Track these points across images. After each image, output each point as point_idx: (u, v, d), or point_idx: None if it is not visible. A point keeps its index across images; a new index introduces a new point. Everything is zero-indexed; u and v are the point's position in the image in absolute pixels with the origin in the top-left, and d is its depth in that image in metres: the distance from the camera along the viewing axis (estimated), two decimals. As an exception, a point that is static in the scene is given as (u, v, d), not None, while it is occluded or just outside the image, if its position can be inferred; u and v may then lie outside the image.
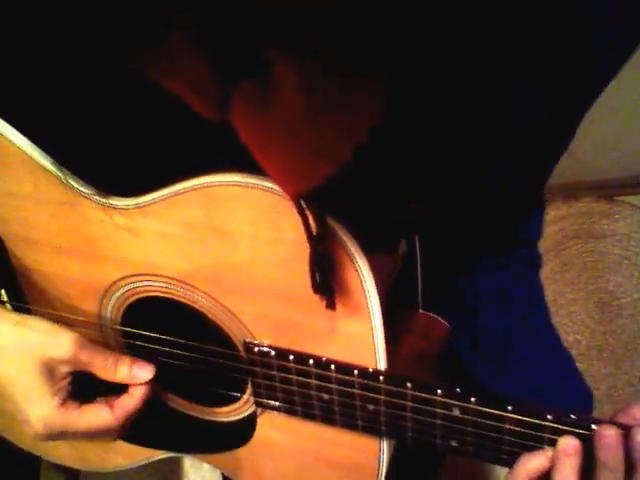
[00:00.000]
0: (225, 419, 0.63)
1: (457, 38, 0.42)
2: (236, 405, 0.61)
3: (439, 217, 0.58)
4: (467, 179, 0.55)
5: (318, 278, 0.47)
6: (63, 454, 0.76)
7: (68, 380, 0.55)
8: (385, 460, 0.57)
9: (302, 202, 0.44)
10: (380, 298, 0.48)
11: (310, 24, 0.37)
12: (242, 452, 0.64)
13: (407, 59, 0.40)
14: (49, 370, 0.53)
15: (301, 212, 0.44)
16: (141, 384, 0.56)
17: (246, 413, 0.61)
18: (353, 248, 0.47)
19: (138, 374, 0.56)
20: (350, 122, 0.40)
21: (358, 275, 0.47)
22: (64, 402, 0.54)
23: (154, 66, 0.43)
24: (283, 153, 0.42)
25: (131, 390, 0.57)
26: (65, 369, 0.54)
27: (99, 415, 0.55)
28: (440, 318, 0.59)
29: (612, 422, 0.46)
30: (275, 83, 0.39)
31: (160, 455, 0.70)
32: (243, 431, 0.62)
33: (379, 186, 0.49)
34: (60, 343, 0.53)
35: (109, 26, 0.42)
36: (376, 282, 0.48)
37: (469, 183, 0.56)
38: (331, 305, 0.48)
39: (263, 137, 0.42)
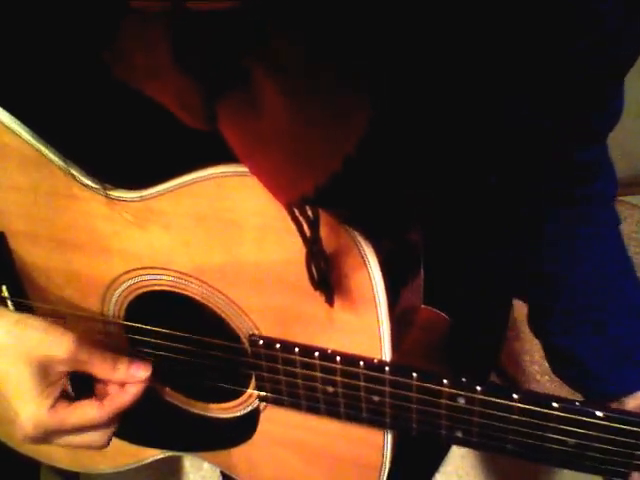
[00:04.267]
0: (227, 415, 0.63)
1: (447, 39, 0.43)
2: (239, 400, 0.61)
3: (440, 214, 0.58)
4: (465, 179, 0.56)
5: (316, 276, 0.48)
6: (59, 456, 0.75)
7: (62, 381, 0.54)
8: (389, 454, 0.57)
9: (295, 210, 0.45)
10: (386, 289, 0.49)
11: (290, 34, 0.38)
12: (244, 449, 0.63)
13: (396, 63, 0.41)
14: (44, 370, 0.53)
15: (294, 218, 0.45)
16: (137, 383, 0.56)
17: (249, 409, 0.61)
18: (362, 240, 0.47)
19: (136, 373, 0.56)
20: (337, 131, 0.41)
21: (366, 269, 0.48)
22: (55, 403, 0.53)
23: (138, 81, 0.44)
24: (272, 162, 0.43)
25: (126, 387, 0.56)
26: (62, 368, 0.53)
27: (87, 412, 0.54)
28: (441, 312, 0.60)
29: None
30: (258, 94, 0.40)
31: (160, 455, 0.70)
32: (245, 427, 0.62)
33: (374, 188, 0.49)
34: (59, 342, 0.53)
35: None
36: (382, 272, 0.48)
37: (467, 183, 0.57)
38: (330, 301, 0.49)
39: (251, 147, 0.43)
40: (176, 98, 0.43)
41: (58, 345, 0.53)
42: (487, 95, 0.48)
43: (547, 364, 0.78)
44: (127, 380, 0.56)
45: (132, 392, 0.55)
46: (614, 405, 0.56)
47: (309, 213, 0.45)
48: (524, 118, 0.51)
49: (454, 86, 0.46)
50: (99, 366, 0.55)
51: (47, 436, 0.54)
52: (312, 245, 0.46)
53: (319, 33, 0.38)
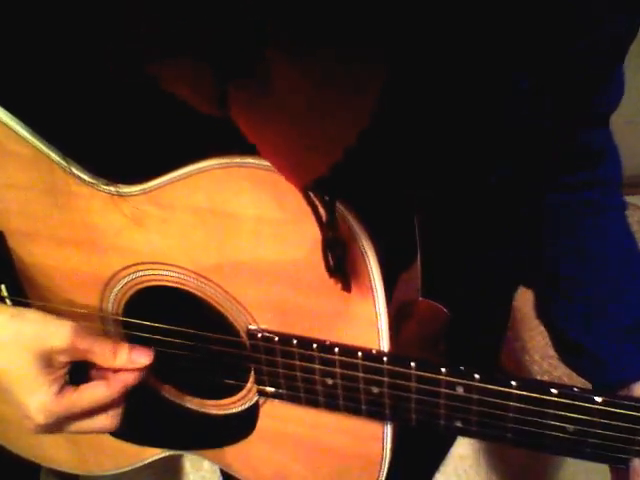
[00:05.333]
0: (227, 412, 0.63)
1: (449, 34, 0.43)
2: (238, 396, 0.61)
3: (440, 213, 0.58)
4: (465, 178, 0.56)
5: (332, 262, 0.47)
6: (60, 458, 0.75)
7: (66, 369, 0.55)
8: (389, 447, 0.57)
9: (310, 193, 0.44)
10: (383, 280, 0.49)
11: (301, 13, 0.38)
12: (243, 446, 0.63)
13: (406, 46, 0.41)
14: (46, 360, 0.53)
15: (310, 202, 0.44)
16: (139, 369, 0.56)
17: (248, 404, 0.61)
18: (360, 231, 0.47)
19: (137, 359, 0.56)
20: (351, 108, 0.40)
21: (364, 258, 0.48)
22: (61, 389, 0.54)
23: (151, 66, 0.44)
24: (286, 145, 0.42)
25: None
26: (63, 359, 0.54)
27: (96, 392, 0.54)
28: (440, 305, 0.60)
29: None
30: (269, 76, 0.39)
31: (161, 454, 0.70)
32: (245, 424, 0.62)
33: (384, 170, 0.50)
34: (57, 332, 0.53)
35: (110, 32, 0.43)
36: (380, 264, 0.48)
37: (467, 182, 0.57)
38: (347, 288, 0.49)
39: (264, 131, 0.42)
40: (186, 83, 0.43)
41: (57, 335, 0.53)
42: (487, 93, 0.48)
43: (546, 364, 0.78)
44: (128, 366, 0.56)
45: (137, 371, 0.55)
46: (623, 392, 0.56)
47: (325, 196, 0.44)
48: (524, 118, 0.52)
49: (455, 80, 0.46)
50: (100, 354, 0.55)
51: (58, 423, 0.54)
52: (328, 230, 0.46)
53: (330, 13, 0.38)
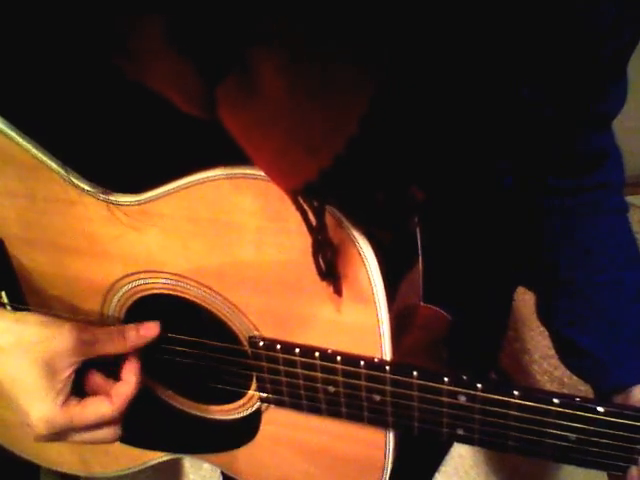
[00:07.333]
0: (229, 417, 0.63)
1: (449, 25, 0.43)
2: (240, 402, 0.61)
3: (441, 213, 0.58)
4: (466, 177, 0.56)
5: (322, 265, 0.47)
6: (63, 460, 0.75)
7: (71, 377, 0.54)
8: (391, 453, 0.57)
9: (299, 197, 0.44)
10: (385, 287, 0.49)
11: (291, 13, 0.37)
12: (246, 450, 0.63)
13: (397, 47, 0.41)
14: (51, 367, 0.53)
15: (298, 207, 0.44)
16: (133, 371, 0.56)
17: (250, 410, 0.61)
18: (359, 238, 0.47)
19: (147, 333, 0.57)
20: (338, 113, 0.40)
21: (364, 265, 0.48)
22: (66, 400, 0.53)
23: (136, 68, 0.43)
24: (274, 148, 0.42)
25: (125, 378, 0.56)
26: (69, 360, 0.53)
27: (99, 407, 0.54)
28: (441, 310, 0.60)
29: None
30: (257, 77, 0.39)
31: (164, 457, 0.70)
32: (247, 428, 0.62)
33: (376, 174, 0.49)
34: (60, 333, 0.52)
35: (90, 25, 0.43)
36: (381, 270, 0.48)
37: (468, 182, 0.57)
38: (338, 291, 0.49)
39: (252, 133, 0.42)
40: (174, 84, 0.42)
41: (59, 336, 0.52)
42: (484, 98, 0.48)
43: (546, 364, 0.78)
44: (140, 343, 0.56)
45: (132, 381, 0.55)
46: (621, 396, 0.56)
47: (314, 201, 0.44)
48: (523, 120, 0.52)
49: (454, 70, 0.45)
50: (108, 340, 0.55)
51: (60, 434, 0.54)
52: (318, 234, 0.46)
53: (319, 13, 0.37)
